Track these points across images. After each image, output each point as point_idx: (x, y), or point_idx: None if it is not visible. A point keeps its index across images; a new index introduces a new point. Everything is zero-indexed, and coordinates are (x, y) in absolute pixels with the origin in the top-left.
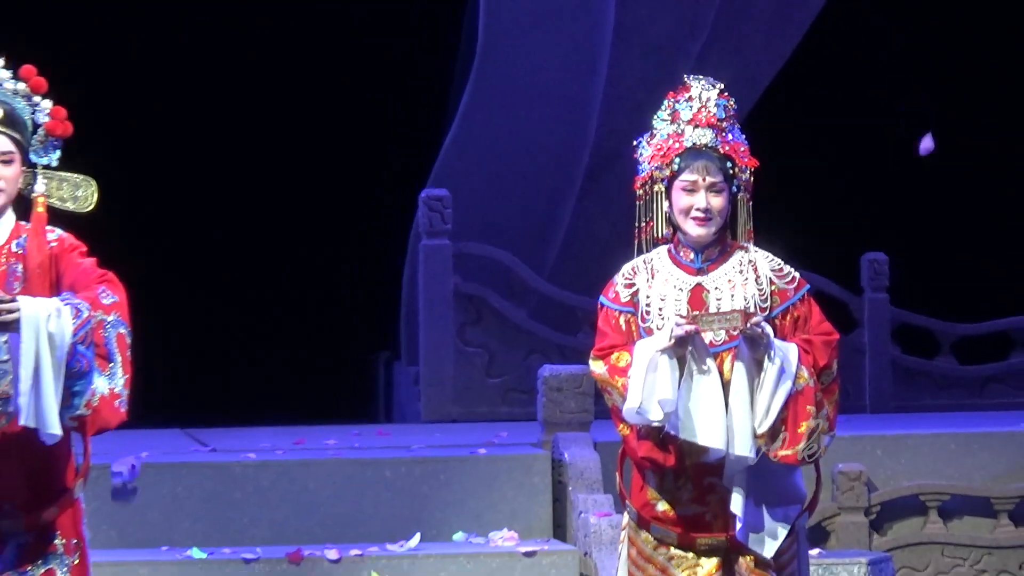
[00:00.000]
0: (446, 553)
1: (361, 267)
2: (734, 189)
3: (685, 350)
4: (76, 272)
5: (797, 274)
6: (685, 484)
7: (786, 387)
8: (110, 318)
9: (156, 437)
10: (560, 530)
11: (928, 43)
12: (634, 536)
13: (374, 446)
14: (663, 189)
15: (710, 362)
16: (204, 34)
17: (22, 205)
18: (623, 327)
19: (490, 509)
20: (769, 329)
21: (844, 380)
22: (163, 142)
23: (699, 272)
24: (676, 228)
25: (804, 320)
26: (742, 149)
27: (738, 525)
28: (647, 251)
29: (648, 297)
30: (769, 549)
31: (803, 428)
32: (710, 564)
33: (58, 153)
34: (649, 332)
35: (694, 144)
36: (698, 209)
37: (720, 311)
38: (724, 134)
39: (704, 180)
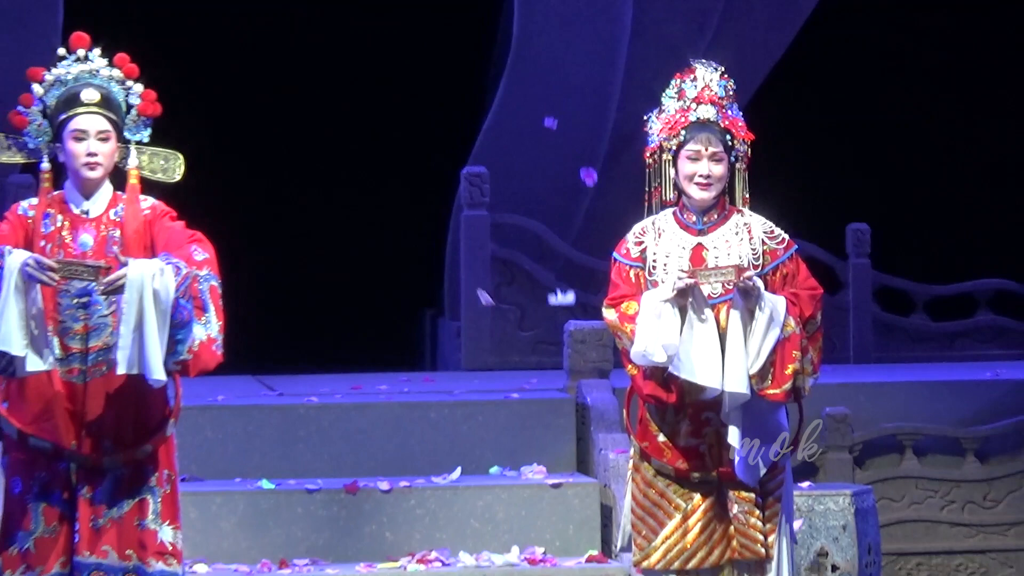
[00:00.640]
0: (483, 485)
1: (411, 234)
2: (732, 159)
3: (686, 300)
4: (169, 234)
5: (786, 236)
6: (683, 419)
7: (775, 334)
8: (203, 273)
9: (231, 383)
10: (583, 465)
11: (907, 24)
12: (638, 465)
13: (421, 391)
14: (670, 158)
15: (708, 312)
16: (275, 25)
17: (118, 177)
18: (633, 280)
19: (522, 446)
20: (760, 283)
21: (831, 335)
22: (236, 120)
23: (700, 233)
24: (681, 193)
25: (792, 276)
26: (740, 124)
27: (735, 459)
28: (656, 213)
29: (655, 254)
30: (754, 478)
31: (789, 370)
32: (702, 491)
33: (148, 131)
34: (655, 284)
35: (699, 118)
36: (701, 175)
37: (717, 266)
38: (725, 110)
39: (707, 150)
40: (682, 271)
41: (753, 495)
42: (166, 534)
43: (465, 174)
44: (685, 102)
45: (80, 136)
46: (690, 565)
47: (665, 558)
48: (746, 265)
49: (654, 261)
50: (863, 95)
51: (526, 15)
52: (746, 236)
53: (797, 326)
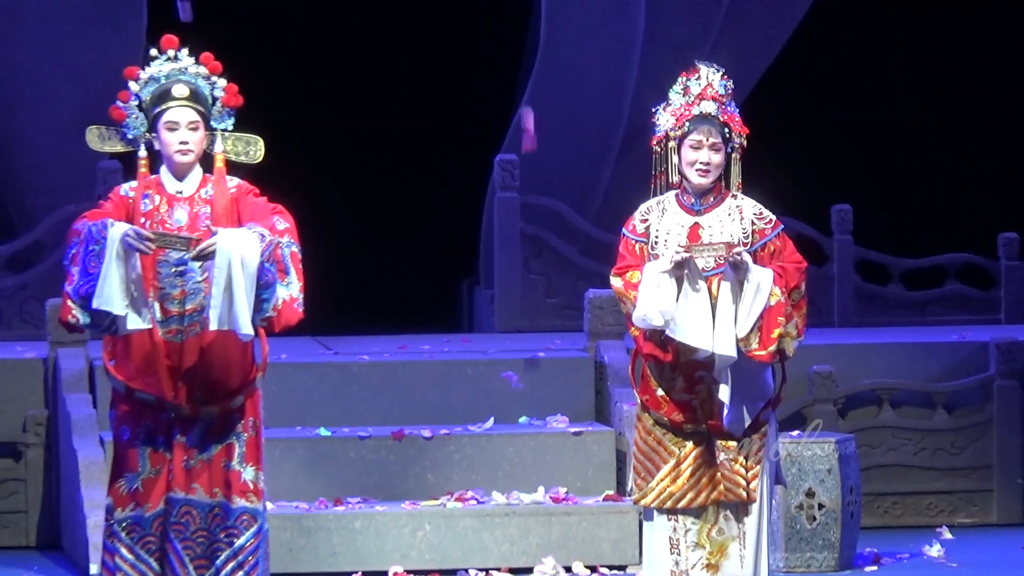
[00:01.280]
0: (513, 433)
1: (452, 213)
2: (729, 149)
3: (682, 272)
4: (253, 208)
5: (774, 217)
6: (679, 376)
7: (761, 301)
8: (284, 240)
9: (293, 343)
10: (601, 415)
11: (886, 23)
12: (640, 415)
13: (459, 350)
14: (675, 146)
15: (701, 283)
16: (336, 26)
17: (207, 161)
18: (637, 252)
19: (547, 399)
20: (748, 257)
21: (818, 302)
22: (304, 109)
23: (697, 213)
24: (683, 177)
25: (779, 252)
26: (737, 119)
27: (725, 412)
28: (661, 194)
29: (657, 231)
30: (739, 429)
31: (775, 333)
32: (690, 439)
33: (232, 119)
34: (656, 257)
35: (701, 112)
36: (701, 163)
37: (710, 243)
38: (724, 106)
39: (707, 140)
40: (680, 246)
41: (738, 445)
42: (249, 474)
43: (498, 161)
44: (690, 97)
45: (173, 127)
46: (680, 505)
47: (659, 498)
48: (736, 242)
49: (656, 237)
50: (849, 93)
51: (552, 21)
52: (738, 217)
53: (783, 295)
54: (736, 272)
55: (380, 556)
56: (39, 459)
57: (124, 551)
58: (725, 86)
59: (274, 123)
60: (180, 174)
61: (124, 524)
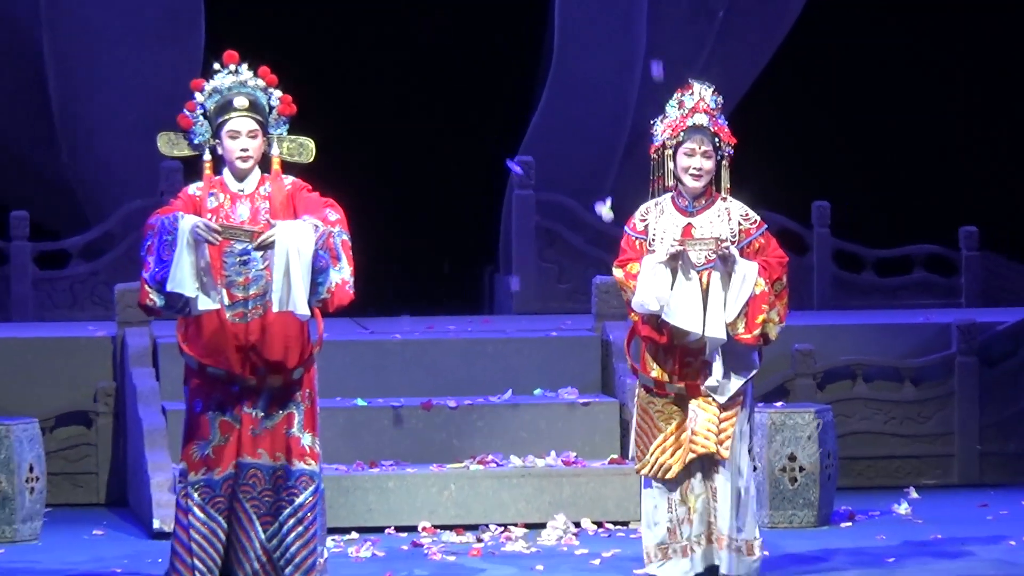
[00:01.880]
0: (528, 403)
1: (475, 208)
2: (719, 157)
3: (676, 264)
4: (307, 203)
5: (759, 217)
6: (672, 356)
7: (747, 291)
8: (335, 230)
9: (333, 323)
10: (606, 387)
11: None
12: (639, 392)
13: (481, 330)
14: (671, 153)
15: (693, 274)
16: (370, 38)
17: (264, 162)
18: (637, 247)
19: (559, 373)
20: (735, 251)
21: (800, 288)
22: (350, 114)
23: (690, 214)
24: (678, 181)
25: (763, 248)
26: (726, 130)
27: (708, 381)
28: (658, 196)
29: (655, 229)
30: (722, 397)
31: (759, 319)
32: (675, 406)
33: (287, 126)
34: (653, 252)
35: (694, 124)
36: (695, 168)
37: (701, 238)
38: (715, 118)
39: (700, 148)
40: (674, 240)
41: (714, 407)
42: (307, 440)
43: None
44: (684, 111)
45: (234, 135)
46: (668, 476)
47: (652, 467)
48: (723, 238)
49: (654, 234)
50: (829, 102)
51: (564, 38)
52: (727, 217)
53: (767, 286)
54: (724, 264)
55: (410, 513)
56: (108, 426)
57: (196, 510)
58: (716, 100)
59: (324, 127)
60: (241, 176)
61: (197, 486)
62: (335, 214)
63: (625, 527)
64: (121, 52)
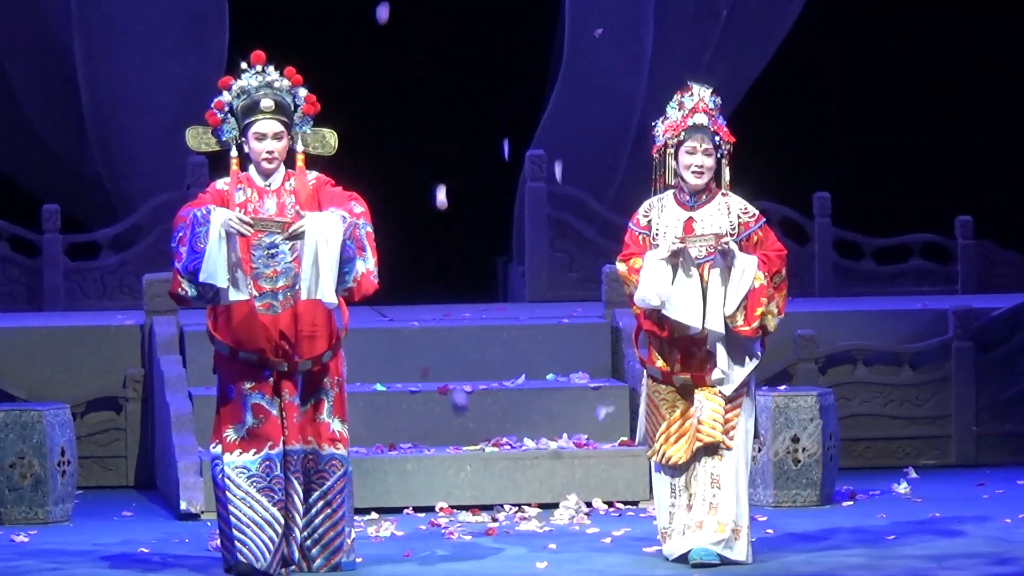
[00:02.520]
0: (541, 387)
1: (490, 200)
2: (719, 155)
3: (677, 260)
4: (332, 196)
5: (757, 212)
6: (675, 349)
7: (746, 285)
8: (360, 222)
9: (353, 311)
10: (616, 372)
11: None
12: (647, 383)
13: (495, 317)
14: (672, 152)
15: (694, 269)
16: (386, 38)
17: (289, 156)
18: (640, 242)
19: (571, 358)
20: (735, 246)
21: (802, 276)
22: (358, 113)
23: (691, 209)
24: (680, 179)
25: (762, 241)
26: (725, 129)
27: (714, 374)
28: (660, 193)
29: (657, 224)
30: (728, 388)
31: (758, 312)
32: (680, 395)
33: (311, 124)
34: (656, 247)
35: (694, 123)
36: (696, 166)
37: (702, 234)
38: (714, 118)
39: (701, 146)
40: (675, 237)
41: (719, 398)
42: (336, 425)
43: (529, 155)
44: (684, 111)
45: (260, 137)
46: (671, 462)
47: (660, 452)
48: (724, 234)
49: (656, 229)
50: (829, 97)
51: (574, 37)
52: (726, 212)
53: (765, 279)
54: (724, 259)
55: (428, 494)
56: (137, 411)
57: (232, 487)
58: (714, 101)
59: (343, 123)
60: (266, 174)
61: (233, 467)
62: (360, 207)
63: (635, 507)
64: (149, 51)
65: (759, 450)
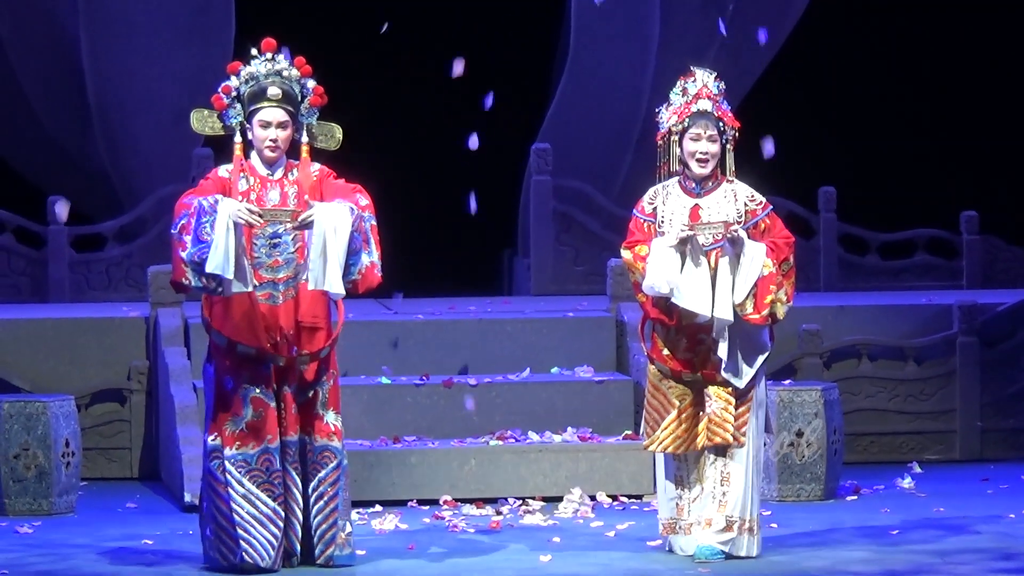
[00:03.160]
0: (546, 381)
1: (496, 193)
2: (724, 141)
3: (685, 247)
4: (335, 188)
5: (764, 199)
6: (682, 338)
7: (755, 272)
8: (365, 214)
9: (359, 304)
10: (621, 366)
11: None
12: (650, 370)
13: (500, 310)
14: (677, 140)
15: (702, 257)
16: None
17: (293, 147)
18: (646, 230)
19: (575, 352)
20: (744, 234)
21: (807, 270)
22: (364, 106)
23: (698, 196)
24: (685, 166)
25: (769, 229)
26: (729, 114)
27: (722, 364)
28: (665, 180)
29: (663, 212)
30: (740, 382)
31: (767, 299)
32: (689, 389)
33: (317, 115)
34: (663, 234)
35: (699, 109)
36: (701, 153)
37: (709, 222)
38: (718, 104)
39: (705, 133)
40: (684, 225)
41: (729, 395)
42: (330, 417)
43: (534, 149)
44: (688, 97)
45: (264, 125)
46: (680, 450)
47: (663, 443)
48: (732, 221)
49: (663, 217)
50: (835, 90)
51: (580, 31)
52: (733, 199)
53: (774, 266)
54: (733, 247)
55: (432, 486)
56: (141, 403)
57: (233, 482)
58: (718, 86)
59: (349, 115)
60: (268, 163)
61: (232, 460)
62: (364, 199)
63: (639, 500)
64: (155, 43)
65: (764, 444)
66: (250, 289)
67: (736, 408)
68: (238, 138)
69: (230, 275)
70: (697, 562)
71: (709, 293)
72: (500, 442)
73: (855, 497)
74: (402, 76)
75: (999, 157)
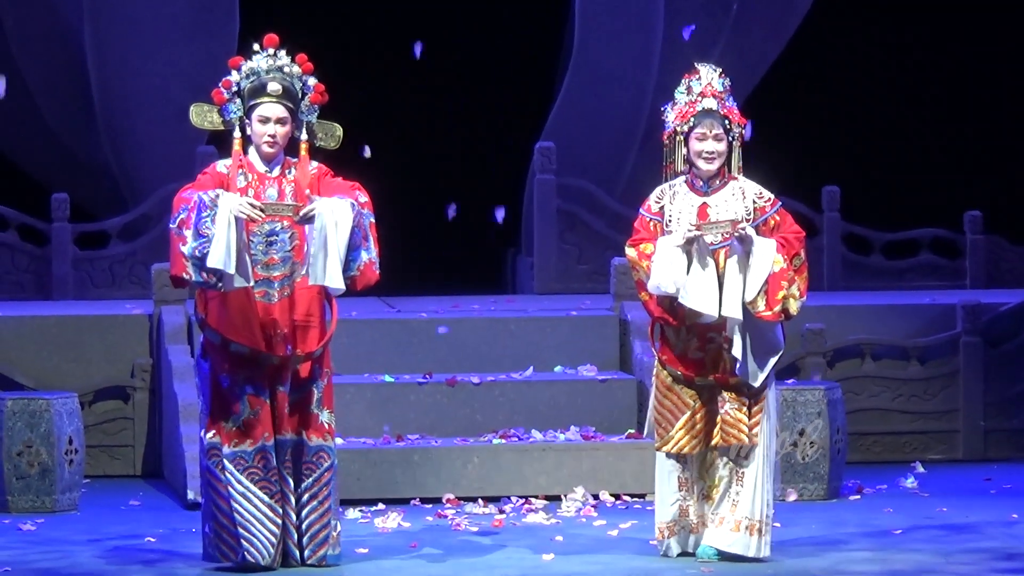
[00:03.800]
0: (549, 380)
1: (499, 192)
2: (730, 139)
3: (692, 247)
4: (334, 186)
5: (772, 195)
6: (692, 338)
7: (766, 269)
8: (364, 212)
9: (362, 302)
10: (624, 365)
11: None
12: (659, 373)
13: (503, 309)
14: (682, 139)
15: (708, 257)
16: (396, 29)
17: (292, 145)
18: (652, 228)
19: (579, 351)
20: (752, 231)
21: (810, 270)
22: (367, 104)
23: (705, 195)
24: (691, 165)
25: (779, 225)
26: (735, 111)
27: (736, 365)
28: (672, 180)
29: (670, 211)
30: (756, 381)
31: (779, 296)
32: (701, 392)
33: (317, 113)
34: (670, 233)
35: (704, 108)
36: (707, 151)
37: (717, 221)
38: (723, 101)
39: (711, 131)
40: (691, 224)
41: (743, 396)
42: (324, 416)
43: (538, 148)
44: (693, 96)
45: (264, 120)
46: (695, 451)
47: (676, 445)
48: (740, 220)
49: (670, 216)
50: (839, 90)
51: (584, 29)
52: (740, 197)
53: (785, 262)
54: (742, 245)
55: (435, 485)
56: (145, 401)
57: (232, 480)
58: (723, 83)
59: (352, 113)
60: (267, 159)
61: (231, 458)
62: (363, 196)
63: (642, 499)
64: (158, 40)
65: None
66: (251, 284)
67: (750, 408)
68: (237, 133)
69: (232, 270)
70: (699, 561)
71: (716, 293)
72: (503, 441)
73: (858, 497)
74: (405, 72)
75: (1004, 156)
